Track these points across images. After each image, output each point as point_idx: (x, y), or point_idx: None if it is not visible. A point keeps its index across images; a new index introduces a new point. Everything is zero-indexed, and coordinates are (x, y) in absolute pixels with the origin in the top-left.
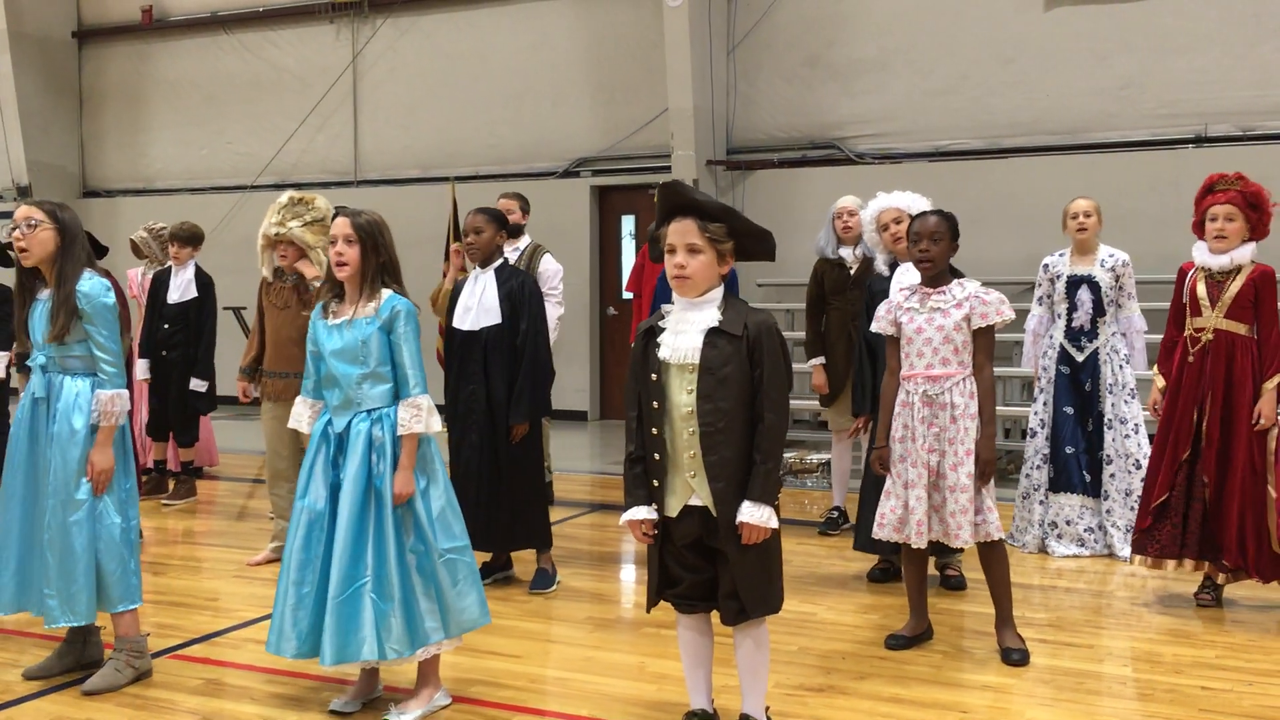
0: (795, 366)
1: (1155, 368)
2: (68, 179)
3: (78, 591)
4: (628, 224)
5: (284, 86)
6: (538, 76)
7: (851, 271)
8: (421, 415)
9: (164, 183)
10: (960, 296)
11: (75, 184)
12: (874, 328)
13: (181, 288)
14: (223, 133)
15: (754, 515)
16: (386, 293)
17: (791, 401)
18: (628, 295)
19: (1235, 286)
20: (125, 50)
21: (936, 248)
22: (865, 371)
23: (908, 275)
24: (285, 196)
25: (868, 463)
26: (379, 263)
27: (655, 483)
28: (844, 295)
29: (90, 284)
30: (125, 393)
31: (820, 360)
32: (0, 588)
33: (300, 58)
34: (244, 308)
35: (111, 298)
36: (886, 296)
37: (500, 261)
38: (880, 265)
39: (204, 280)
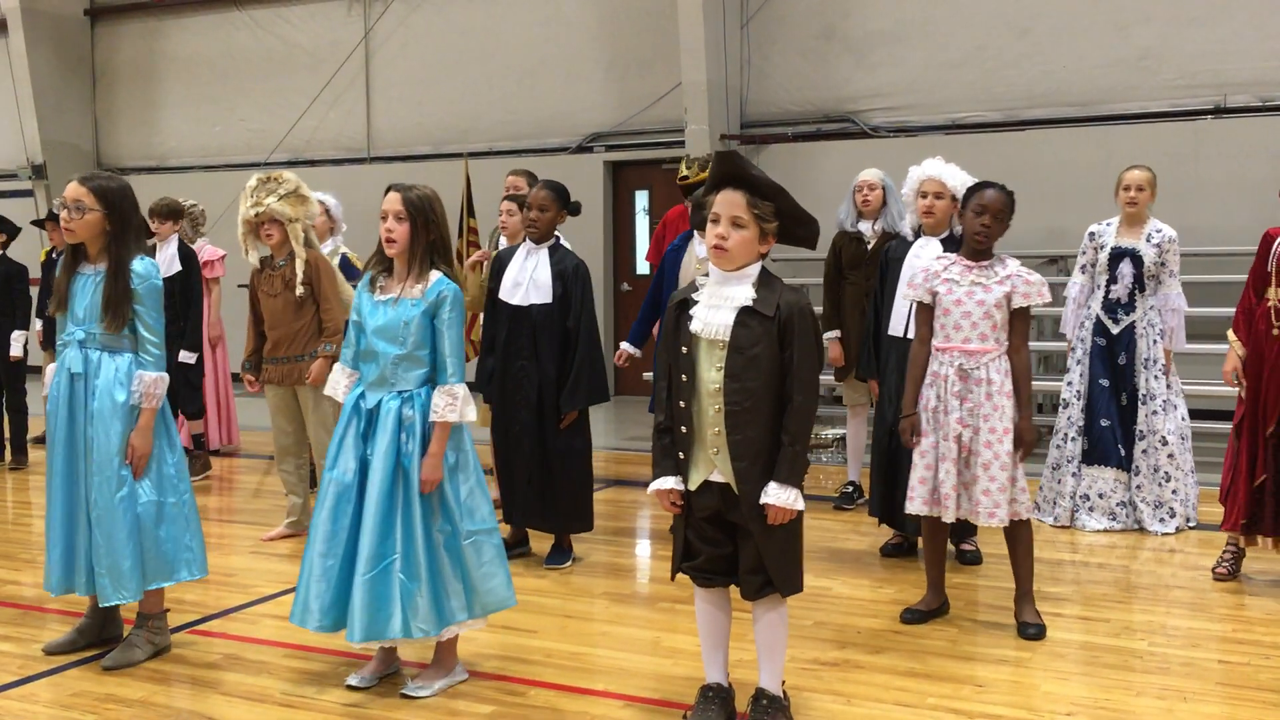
0: None
1: (1231, 333)
2: (81, 157)
3: (130, 569)
4: (641, 199)
5: (297, 63)
6: (550, 51)
7: (869, 246)
8: (456, 404)
9: (178, 160)
10: (1003, 274)
11: (89, 162)
12: (906, 295)
13: (166, 263)
14: (235, 110)
15: (780, 497)
16: (435, 274)
17: None
18: (644, 270)
19: None
20: (138, 27)
21: (998, 225)
22: (870, 335)
23: (927, 249)
24: (253, 179)
25: (877, 434)
26: (429, 240)
27: (680, 454)
28: (861, 269)
29: (142, 265)
30: (166, 375)
31: (836, 334)
32: (49, 569)
33: (313, 34)
34: None
35: (160, 279)
36: (900, 264)
37: (554, 240)
38: (906, 229)
39: (186, 254)
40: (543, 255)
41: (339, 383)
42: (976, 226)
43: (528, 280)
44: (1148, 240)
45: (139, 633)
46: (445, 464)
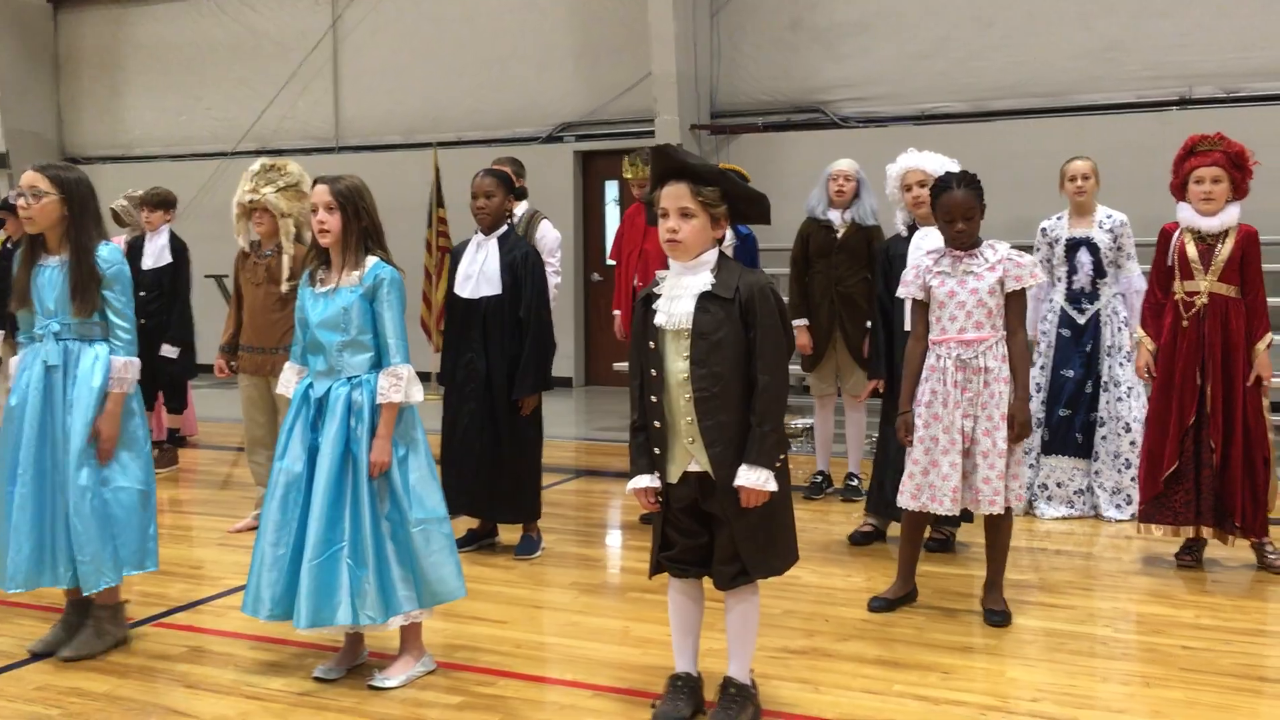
0: None
1: (1139, 329)
2: (45, 146)
3: (110, 553)
4: (611, 189)
5: (263, 51)
6: (521, 41)
7: (839, 235)
8: (401, 385)
9: (142, 149)
10: (993, 259)
11: (53, 151)
12: (901, 292)
13: (156, 254)
14: (201, 99)
15: (750, 479)
16: (372, 260)
17: None
18: (614, 261)
19: (1226, 249)
20: (102, 15)
21: (971, 224)
22: (880, 336)
23: (928, 239)
24: (258, 164)
25: (883, 427)
26: (361, 228)
27: (657, 450)
28: (829, 258)
29: (107, 249)
30: (137, 361)
31: (804, 322)
32: (15, 568)
33: (280, 22)
34: (225, 275)
35: (125, 264)
36: (904, 260)
37: (504, 229)
38: (900, 226)
39: (177, 246)
40: (492, 246)
41: (290, 381)
42: (952, 234)
43: (477, 272)
44: (1100, 227)
45: (97, 624)
46: (395, 452)
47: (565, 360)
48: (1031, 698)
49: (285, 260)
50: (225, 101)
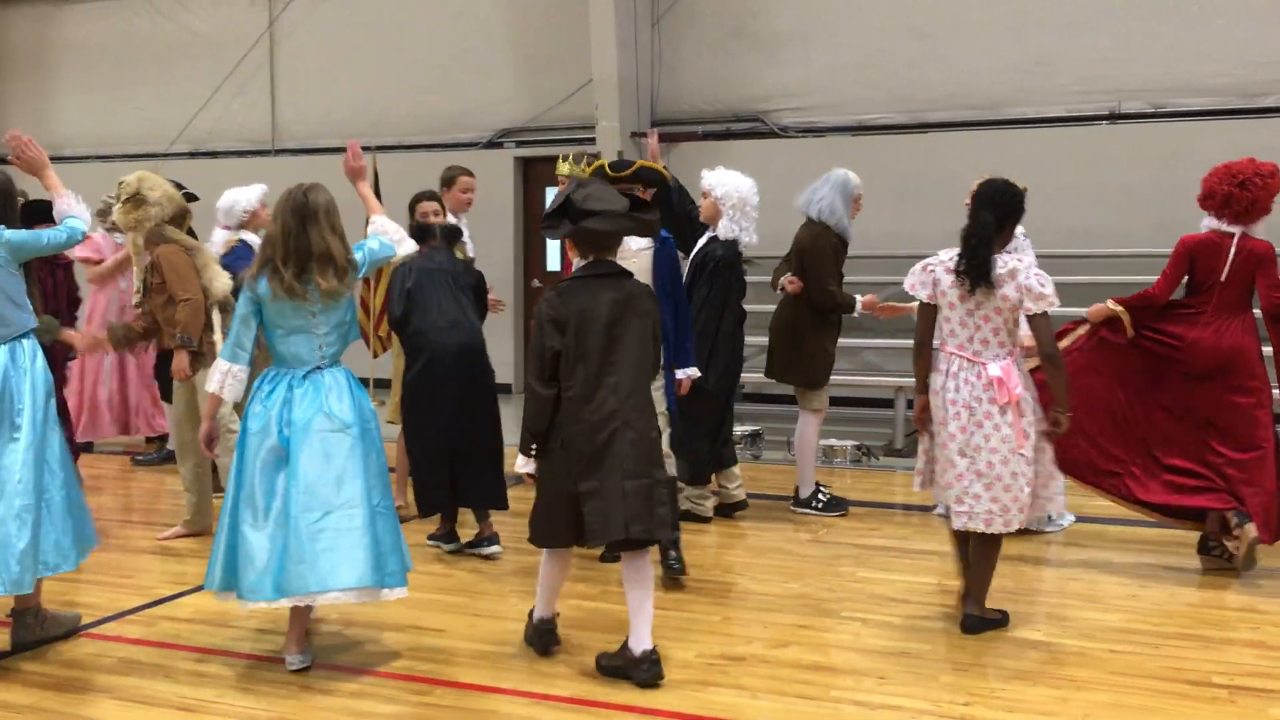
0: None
1: (1114, 302)
2: None
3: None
4: (552, 196)
5: (197, 51)
6: (462, 45)
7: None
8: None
9: (72, 150)
10: (1004, 273)
11: None
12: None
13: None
14: (133, 99)
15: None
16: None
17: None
18: (554, 267)
19: None
20: (31, 12)
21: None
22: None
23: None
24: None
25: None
26: None
27: None
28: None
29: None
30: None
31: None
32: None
33: (214, 22)
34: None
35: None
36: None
37: None
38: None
39: None
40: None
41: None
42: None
43: None
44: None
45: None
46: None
47: (504, 367)
48: (964, 701)
49: (135, 271)
50: (157, 102)
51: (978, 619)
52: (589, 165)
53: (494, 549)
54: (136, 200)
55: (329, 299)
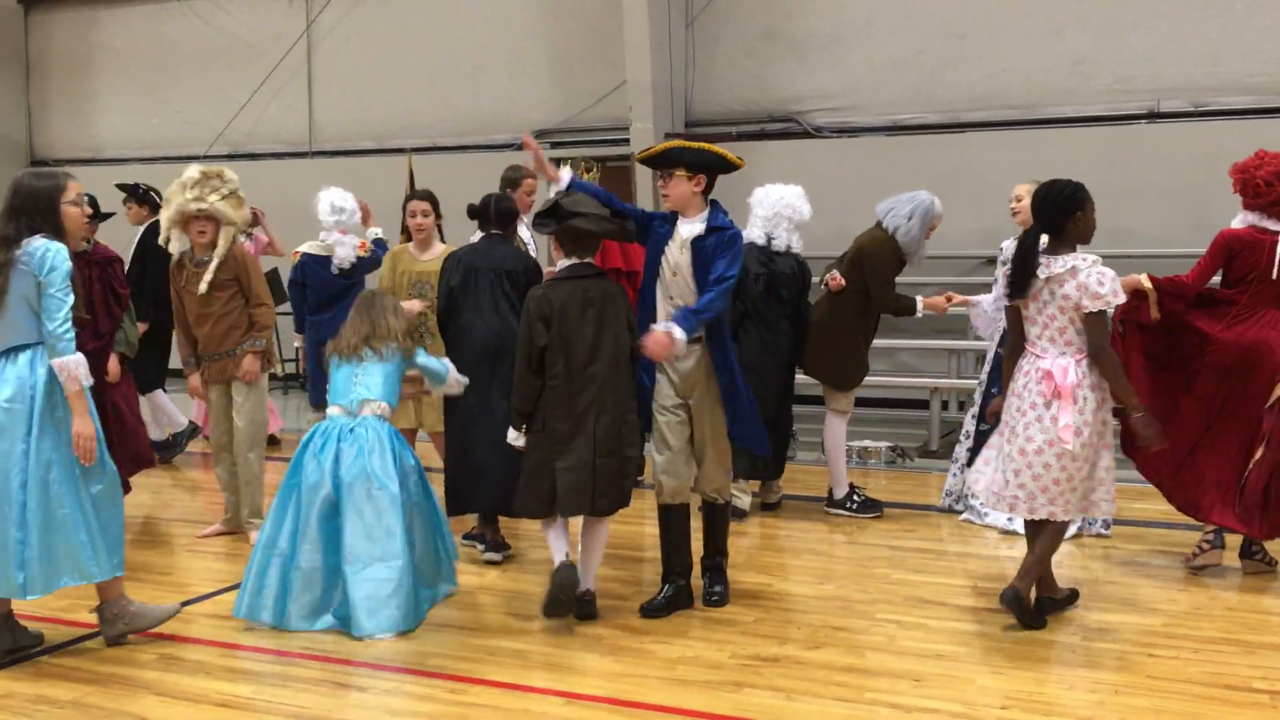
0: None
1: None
2: (14, 148)
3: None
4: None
5: (236, 55)
6: (495, 48)
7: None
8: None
9: (113, 152)
10: (1063, 271)
11: (22, 154)
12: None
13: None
14: (172, 102)
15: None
16: None
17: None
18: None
19: None
20: (72, 17)
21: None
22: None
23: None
24: (195, 171)
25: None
26: None
27: None
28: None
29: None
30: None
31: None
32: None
33: (252, 25)
34: None
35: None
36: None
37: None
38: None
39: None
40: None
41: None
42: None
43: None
44: None
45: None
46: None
47: None
48: (1001, 705)
49: (213, 265)
50: (196, 105)
51: (1014, 594)
52: (588, 170)
53: (491, 555)
54: (239, 198)
55: None
